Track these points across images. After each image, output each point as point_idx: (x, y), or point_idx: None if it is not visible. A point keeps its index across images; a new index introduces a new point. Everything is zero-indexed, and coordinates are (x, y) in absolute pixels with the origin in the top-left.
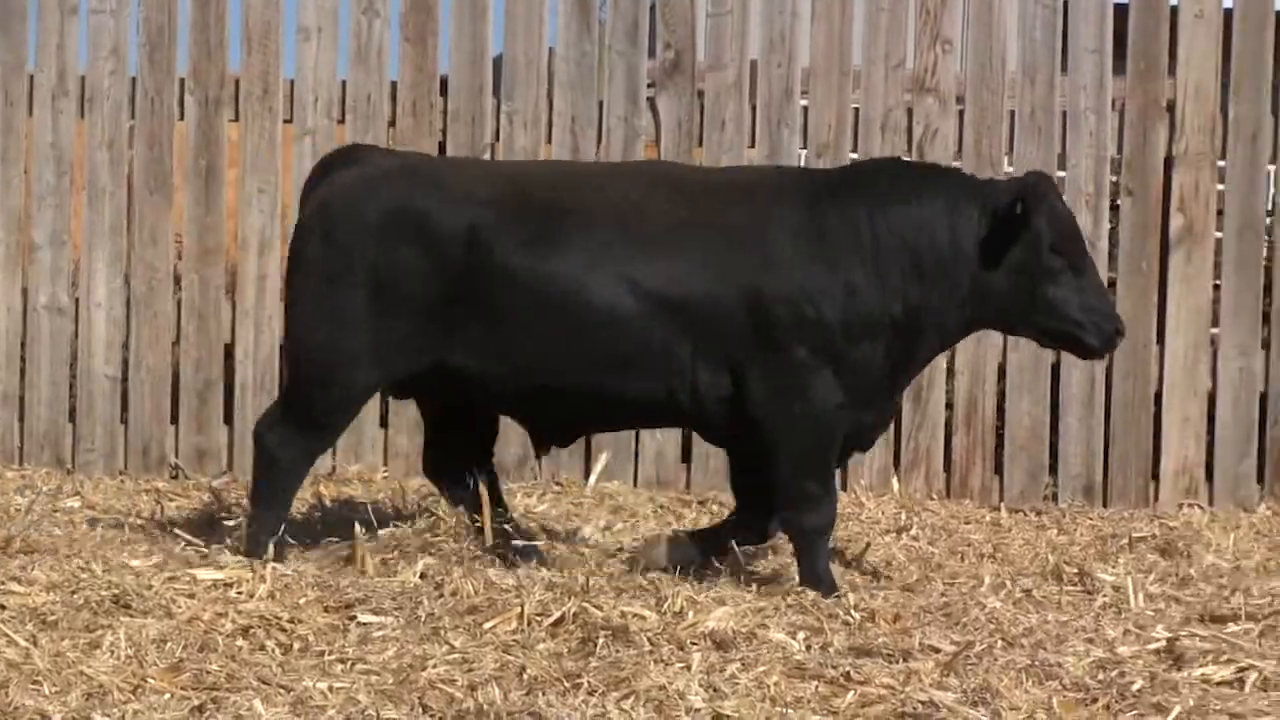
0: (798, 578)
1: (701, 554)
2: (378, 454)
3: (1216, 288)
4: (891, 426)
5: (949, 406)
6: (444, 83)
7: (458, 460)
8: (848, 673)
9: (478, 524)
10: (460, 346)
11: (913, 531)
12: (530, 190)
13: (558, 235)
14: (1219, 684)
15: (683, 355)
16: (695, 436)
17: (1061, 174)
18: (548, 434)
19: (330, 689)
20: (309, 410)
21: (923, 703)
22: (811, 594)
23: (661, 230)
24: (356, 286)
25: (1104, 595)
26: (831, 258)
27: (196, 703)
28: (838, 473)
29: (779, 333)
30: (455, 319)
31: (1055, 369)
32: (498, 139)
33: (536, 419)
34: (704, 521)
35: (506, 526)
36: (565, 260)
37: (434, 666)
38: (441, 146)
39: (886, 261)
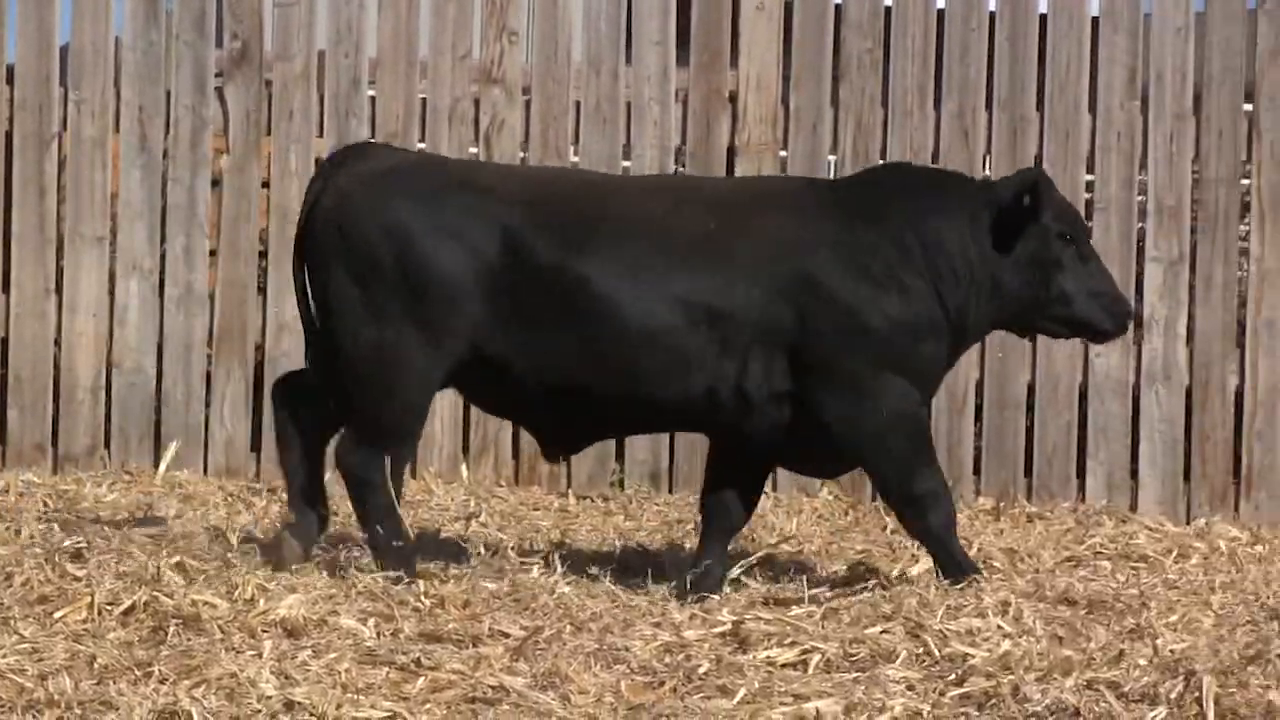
0: (939, 572)
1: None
2: None
3: None
4: (460, 413)
5: None
6: (10, 71)
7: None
8: (418, 659)
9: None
10: (496, 347)
11: (482, 518)
12: (556, 194)
13: (589, 244)
14: (783, 666)
15: (727, 367)
16: (265, 424)
17: (627, 164)
18: (563, 440)
19: None
20: (378, 420)
21: (493, 687)
22: (382, 580)
23: (697, 241)
24: (390, 284)
25: (670, 580)
26: (877, 267)
27: None
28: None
29: (844, 344)
30: (489, 319)
31: None
32: (65, 128)
33: (559, 423)
34: (274, 510)
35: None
36: (599, 271)
37: (3, 656)
38: (8, 135)
39: (931, 268)
